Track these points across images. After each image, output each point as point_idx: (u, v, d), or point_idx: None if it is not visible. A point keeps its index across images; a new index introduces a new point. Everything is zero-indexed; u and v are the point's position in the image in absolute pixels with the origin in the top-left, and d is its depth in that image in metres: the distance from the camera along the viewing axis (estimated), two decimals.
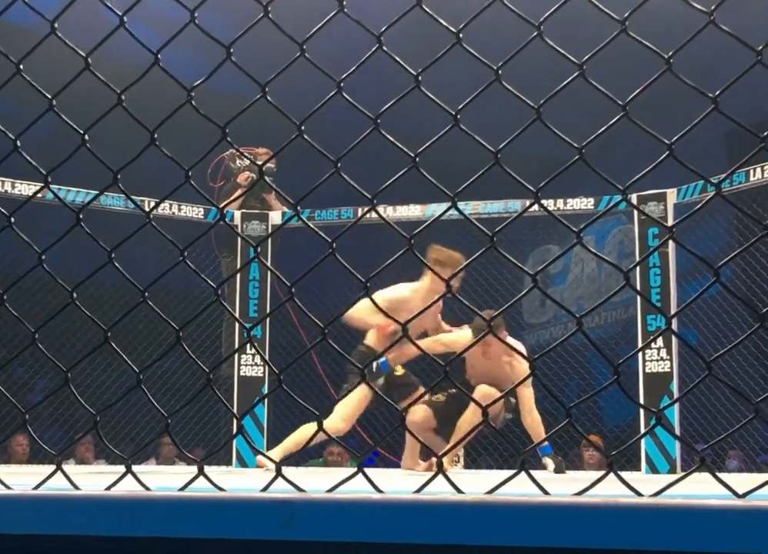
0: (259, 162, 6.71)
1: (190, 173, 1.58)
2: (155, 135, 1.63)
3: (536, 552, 1.13)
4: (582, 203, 6.59)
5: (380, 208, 1.53)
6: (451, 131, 1.49)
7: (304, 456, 8.57)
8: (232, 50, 1.60)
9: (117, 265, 1.62)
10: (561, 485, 2.73)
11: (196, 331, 7.04)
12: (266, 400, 6.79)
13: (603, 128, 1.41)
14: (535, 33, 1.44)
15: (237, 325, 6.87)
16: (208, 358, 6.95)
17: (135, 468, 1.52)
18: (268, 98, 1.55)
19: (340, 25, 1.59)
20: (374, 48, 1.51)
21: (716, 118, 1.38)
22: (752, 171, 5.96)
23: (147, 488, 1.41)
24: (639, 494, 1.25)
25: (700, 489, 1.47)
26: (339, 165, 1.49)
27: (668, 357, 6.14)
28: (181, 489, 1.39)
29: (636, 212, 6.46)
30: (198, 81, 1.63)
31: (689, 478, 1.33)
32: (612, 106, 1.40)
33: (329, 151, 1.52)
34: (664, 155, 1.36)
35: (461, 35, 1.48)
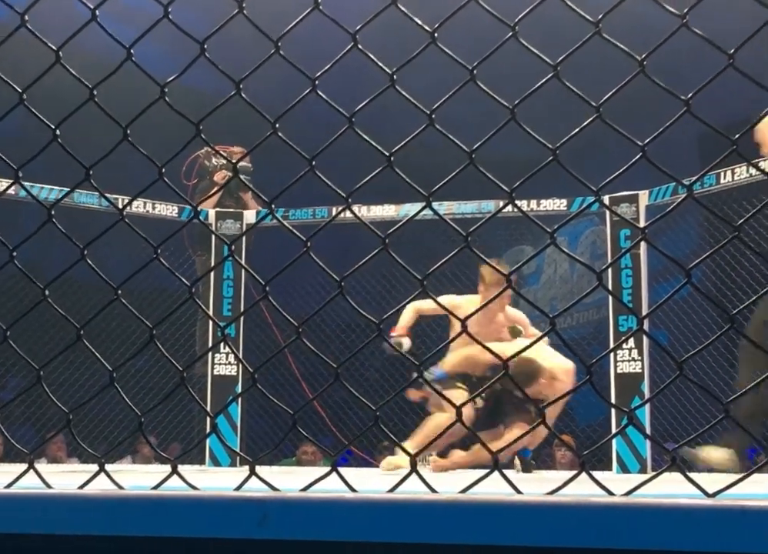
0: (235, 162, 6.72)
1: (164, 170, 1.58)
2: (128, 131, 1.62)
3: (509, 551, 1.14)
4: (555, 204, 6.62)
5: (354, 208, 1.53)
6: (429, 132, 1.49)
7: (277, 455, 8.58)
8: (206, 46, 1.60)
9: (90, 262, 1.62)
10: (534, 485, 2.75)
11: (170, 329, 7.01)
12: (240, 399, 6.77)
13: (577, 130, 1.42)
14: (510, 34, 1.45)
15: (211, 323, 6.85)
16: (182, 357, 6.92)
17: (109, 467, 1.52)
18: (243, 95, 1.55)
19: (318, 23, 1.59)
20: (348, 46, 1.51)
21: (688, 120, 1.40)
22: (722, 174, 6.02)
23: (120, 487, 1.41)
24: (610, 493, 1.26)
25: (671, 489, 1.48)
26: (314, 163, 1.49)
27: (639, 357, 6.18)
28: (155, 488, 1.39)
29: (608, 214, 6.50)
30: (172, 77, 1.62)
31: (660, 478, 1.34)
32: (587, 108, 1.41)
33: (306, 150, 1.52)
34: (637, 157, 1.37)
35: (436, 35, 1.48)
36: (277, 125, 1.53)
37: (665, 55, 1.48)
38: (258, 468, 1.44)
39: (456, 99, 1.50)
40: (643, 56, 1.37)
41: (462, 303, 5.58)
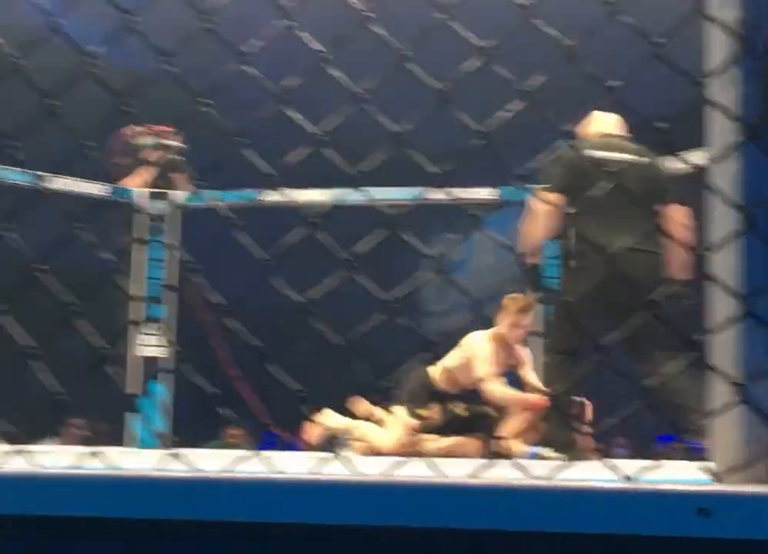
0: (166, 141, 6.62)
1: (89, 148, 1.54)
2: (54, 106, 1.59)
3: (431, 533, 1.15)
4: (484, 193, 6.64)
5: (285, 191, 1.53)
6: (362, 118, 1.49)
7: (204, 438, 8.52)
8: (136, 18, 1.57)
9: (13, 239, 1.59)
10: (457, 467, 2.76)
11: (95, 309, 6.89)
12: (166, 381, 6.70)
13: (508, 114, 1.43)
14: (445, 18, 1.45)
15: (137, 304, 6.77)
16: (108, 337, 6.82)
17: (31, 447, 1.49)
18: (171, 69, 1.52)
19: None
20: (280, 22, 1.50)
21: (615, 110, 1.41)
22: None
23: (37, 467, 1.38)
24: (531, 476, 1.27)
25: (590, 473, 1.51)
26: (245, 142, 1.48)
27: None
28: (72, 468, 1.37)
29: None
30: (98, 49, 1.58)
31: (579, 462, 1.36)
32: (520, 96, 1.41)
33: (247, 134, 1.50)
34: (565, 143, 1.39)
35: (372, 16, 1.47)
36: (209, 104, 1.51)
37: (597, 47, 1.49)
38: (183, 450, 1.43)
39: (395, 92, 1.49)
40: (570, 43, 1.38)
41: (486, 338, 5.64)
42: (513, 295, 5.64)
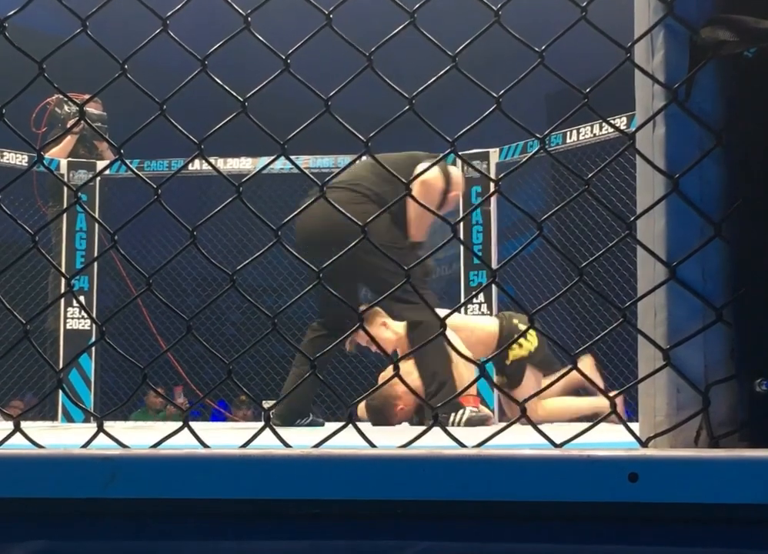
0: (88, 109, 6.48)
1: (4, 113, 1.49)
2: None
3: (363, 504, 1.14)
4: None
5: (210, 159, 1.50)
6: (286, 88, 1.46)
7: (130, 409, 8.46)
8: None
9: None
10: (387, 437, 2.78)
11: (20, 282, 6.79)
12: (94, 354, 6.63)
13: (433, 79, 1.41)
14: None
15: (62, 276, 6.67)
16: (34, 310, 6.72)
17: None
18: (88, 32, 1.47)
19: None
20: None
21: (535, 80, 1.41)
22: (568, 134, 6.21)
23: None
24: (462, 445, 1.27)
25: (520, 439, 1.51)
26: (165, 107, 1.44)
27: (488, 312, 6.33)
28: None
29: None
30: (12, 12, 1.52)
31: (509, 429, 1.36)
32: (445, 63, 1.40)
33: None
34: (492, 108, 1.38)
35: None
36: (126, 67, 1.46)
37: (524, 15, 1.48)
38: (112, 424, 1.40)
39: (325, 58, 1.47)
40: (499, 6, 1.37)
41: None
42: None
